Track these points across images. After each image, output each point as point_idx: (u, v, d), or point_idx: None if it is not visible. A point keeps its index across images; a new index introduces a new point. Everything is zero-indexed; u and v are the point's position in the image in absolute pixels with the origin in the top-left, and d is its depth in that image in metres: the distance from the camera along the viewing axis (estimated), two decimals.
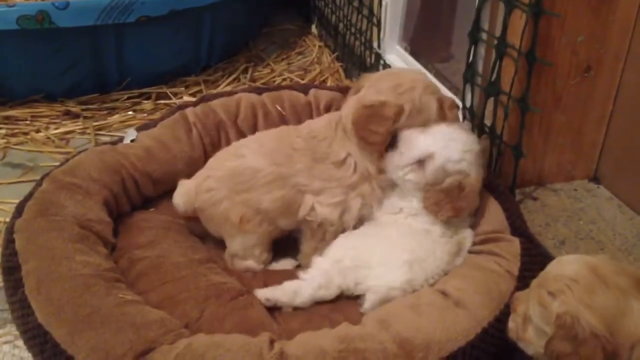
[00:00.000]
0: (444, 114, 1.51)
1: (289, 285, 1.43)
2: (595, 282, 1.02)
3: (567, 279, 1.04)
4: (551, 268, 1.11)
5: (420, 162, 1.45)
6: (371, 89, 1.51)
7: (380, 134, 1.45)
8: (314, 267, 1.45)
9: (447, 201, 1.44)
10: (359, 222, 1.55)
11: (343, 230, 1.54)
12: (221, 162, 1.60)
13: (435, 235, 1.47)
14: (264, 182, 1.52)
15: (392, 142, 1.48)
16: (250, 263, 1.58)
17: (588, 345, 0.98)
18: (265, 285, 1.49)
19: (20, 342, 1.39)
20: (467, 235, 1.50)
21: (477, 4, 1.63)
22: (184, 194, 1.62)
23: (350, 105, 1.53)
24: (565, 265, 1.08)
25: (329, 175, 1.51)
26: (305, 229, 1.57)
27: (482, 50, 1.68)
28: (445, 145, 1.44)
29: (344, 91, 2.04)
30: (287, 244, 1.64)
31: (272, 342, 1.22)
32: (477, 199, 1.49)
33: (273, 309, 1.42)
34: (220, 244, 1.64)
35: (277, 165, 1.52)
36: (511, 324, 1.16)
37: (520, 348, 1.16)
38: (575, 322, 1.00)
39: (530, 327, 1.11)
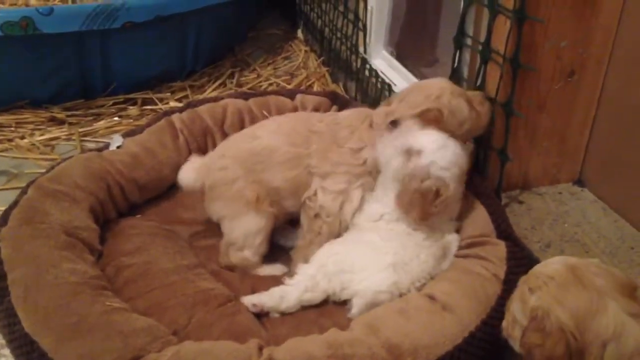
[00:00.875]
0: (476, 111, 1.54)
1: (275, 291, 1.44)
2: (571, 281, 1.06)
3: (546, 276, 1.09)
4: (536, 267, 1.15)
5: (409, 153, 1.46)
6: (402, 102, 1.54)
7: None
8: (300, 273, 1.46)
9: (419, 203, 1.45)
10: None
11: (340, 225, 1.55)
12: (236, 144, 1.62)
13: (419, 238, 1.47)
14: (279, 161, 1.54)
15: (394, 125, 1.50)
16: (247, 254, 1.56)
17: (553, 338, 1.03)
18: (254, 291, 1.49)
19: (6, 351, 1.37)
20: (452, 240, 1.51)
21: (461, 9, 1.65)
22: (196, 169, 1.62)
23: (379, 117, 1.55)
24: (548, 265, 1.13)
25: (342, 159, 1.53)
26: (303, 218, 1.58)
27: (467, 55, 1.70)
28: (439, 149, 1.46)
29: (331, 96, 2.05)
30: (277, 251, 1.65)
31: (260, 348, 1.22)
32: (448, 211, 1.50)
33: (261, 315, 1.42)
34: (210, 248, 1.64)
35: (294, 145, 1.55)
36: (504, 322, 1.19)
37: (509, 350, 1.17)
38: (545, 316, 1.05)
39: (517, 325, 1.14)
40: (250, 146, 1.57)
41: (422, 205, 1.44)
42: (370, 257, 1.44)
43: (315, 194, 1.55)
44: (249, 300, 1.43)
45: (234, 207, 1.56)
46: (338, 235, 1.56)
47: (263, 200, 1.53)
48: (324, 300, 1.45)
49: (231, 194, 1.55)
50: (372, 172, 1.55)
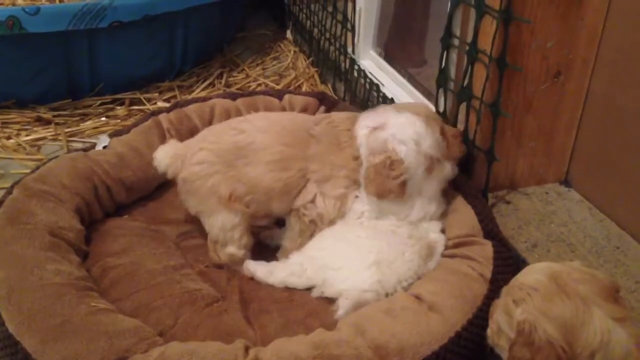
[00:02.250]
0: (447, 140, 1.54)
1: (267, 265, 1.53)
2: (554, 291, 1.05)
3: (529, 287, 1.08)
4: (519, 276, 1.14)
5: (375, 129, 1.49)
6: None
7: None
8: (291, 258, 1.51)
9: (373, 177, 1.46)
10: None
11: (330, 223, 1.55)
12: (218, 135, 1.55)
13: (403, 236, 1.48)
14: (269, 160, 1.49)
15: None
16: (232, 249, 1.55)
17: (543, 353, 1.02)
18: (241, 292, 1.48)
19: None
20: (438, 239, 1.51)
21: (448, 10, 1.65)
22: (171, 157, 1.57)
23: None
24: (530, 274, 1.11)
25: (344, 163, 1.51)
26: (294, 223, 1.56)
27: (454, 55, 1.70)
28: (401, 125, 1.48)
29: (319, 97, 2.05)
30: (264, 250, 1.64)
31: (247, 348, 1.21)
32: (411, 195, 1.50)
33: (250, 315, 1.42)
34: (197, 248, 1.63)
35: (288, 146, 1.51)
36: (488, 330, 1.19)
37: (495, 353, 1.18)
38: (532, 330, 1.03)
39: (502, 335, 1.13)
40: (234, 139, 1.52)
41: (377, 179, 1.45)
42: (354, 255, 1.45)
43: (313, 200, 1.53)
44: (246, 263, 1.54)
45: (208, 203, 1.53)
46: None
47: (237, 198, 1.50)
48: (311, 299, 1.45)
49: (206, 189, 1.51)
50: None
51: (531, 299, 1.06)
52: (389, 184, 1.45)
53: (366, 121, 1.53)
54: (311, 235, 1.55)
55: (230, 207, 1.50)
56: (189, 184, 1.54)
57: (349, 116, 1.60)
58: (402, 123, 1.48)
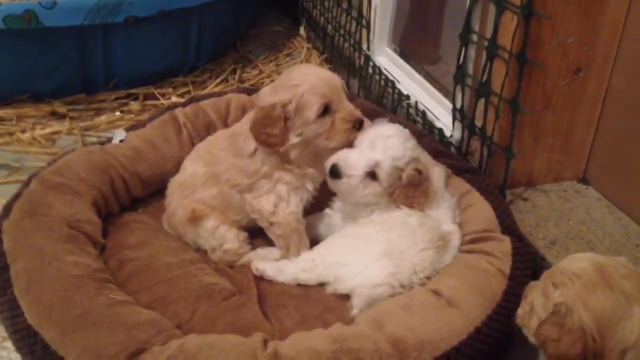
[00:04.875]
0: (332, 120, 1.49)
1: (276, 263, 1.54)
2: (597, 282, 1.04)
3: (571, 273, 1.07)
4: (562, 262, 1.13)
5: (370, 174, 1.47)
6: (270, 87, 1.55)
7: (276, 136, 1.46)
8: (302, 255, 1.53)
9: (414, 190, 1.47)
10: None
11: (299, 224, 1.56)
12: (171, 182, 1.69)
13: (414, 225, 1.46)
14: (202, 182, 1.60)
15: (334, 172, 1.48)
16: (227, 246, 1.58)
17: (572, 336, 1.02)
18: (258, 287, 1.48)
19: (8, 344, 1.37)
20: (452, 231, 1.50)
21: (467, 5, 1.64)
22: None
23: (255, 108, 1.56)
24: (574, 262, 1.11)
25: (249, 168, 1.55)
26: (271, 237, 1.60)
27: (472, 51, 1.69)
28: (385, 148, 1.46)
29: None
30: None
31: (265, 342, 1.21)
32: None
33: (267, 309, 1.42)
34: None
35: (209, 165, 1.60)
36: (520, 310, 1.18)
37: (515, 345, 1.17)
38: (568, 313, 1.03)
39: (534, 317, 1.13)
40: (178, 179, 1.67)
41: (417, 190, 1.47)
42: (364, 249, 1.44)
43: (251, 205, 1.57)
44: (254, 263, 1.54)
45: (185, 229, 1.62)
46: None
47: (200, 210, 1.58)
48: (327, 295, 1.45)
49: (176, 220, 1.62)
50: (281, 165, 1.53)
51: (572, 285, 1.05)
52: (425, 184, 1.48)
53: (349, 182, 1.48)
54: (288, 247, 1.57)
55: (197, 218, 1.58)
56: (172, 228, 1.65)
57: (246, 117, 1.61)
58: (385, 146, 1.46)
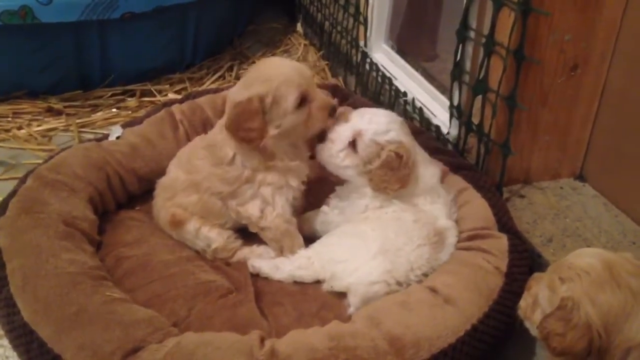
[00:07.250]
0: (309, 110, 1.49)
1: (272, 261, 1.54)
2: (606, 279, 1.04)
3: (579, 268, 1.06)
4: (569, 257, 1.12)
5: (352, 144, 1.48)
6: (241, 83, 1.53)
7: (255, 130, 1.46)
8: (298, 252, 1.53)
9: (391, 174, 1.46)
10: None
11: (289, 225, 1.56)
12: (158, 183, 1.69)
13: (408, 221, 1.46)
14: (182, 189, 1.60)
15: (320, 137, 1.52)
16: (215, 245, 1.58)
17: (577, 332, 1.01)
18: (255, 285, 1.48)
19: (5, 341, 1.36)
20: (447, 227, 1.49)
21: (465, 2, 1.64)
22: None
23: (227, 106, 1.54)
24: (582, 257, 1.10)
25: (229, 175, 1.54)
26: (264, 240, 1.60)
27: (469, 48, 1.69)
28: (370, 120, 1.48)
29: (331, 88, 2.04)
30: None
31: (262, 339, 1.21)
32: (416, 166, 1.50)
33: (264, 307, 1.41)
34: None
35: (189, 173, 1.60)
36: (522, 302, 1.17)
37: (511, 342, 1.16)
38: (575, 308, 1.03)
39: (538, 309, 1.12)
40: (163, 181, 1.67)
41: (393, 175, 1.46)
42: (359, 247, 1.44)
43: (237, 212, 1.57)
44: (251, 261, 1.54)
45: (170, 231, 1.62)
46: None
47: (180, 214, 1.59)
48: (324, 293, 1.45)
49: (161, 222, 1.63)
50: (263, 167, 1.52)
51: (580, 280, 1.04)
52: (404, 170, 1.46)
53: (332, 146, 1.51)
54: (281, 249, 1.57)
55: (178, 222, 1.59)
56: (157, 224, 1.66)
57: (219, 125, 1.60)
58: (371, 119, 1.48)
